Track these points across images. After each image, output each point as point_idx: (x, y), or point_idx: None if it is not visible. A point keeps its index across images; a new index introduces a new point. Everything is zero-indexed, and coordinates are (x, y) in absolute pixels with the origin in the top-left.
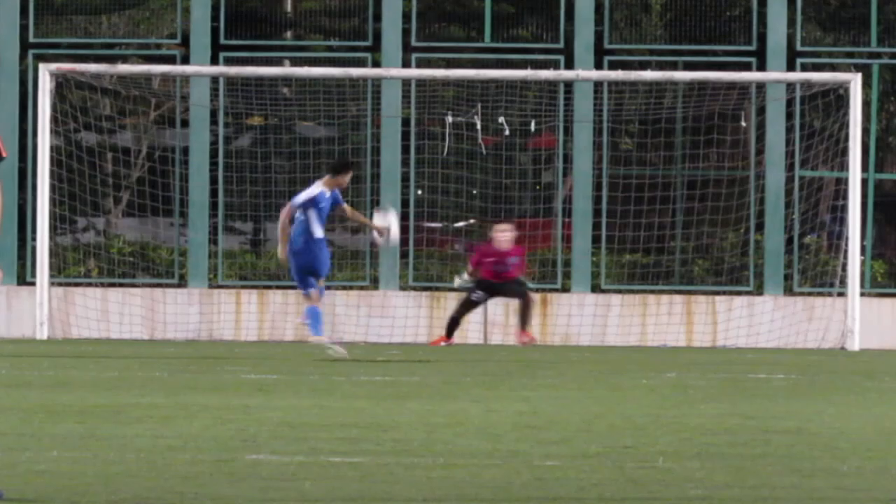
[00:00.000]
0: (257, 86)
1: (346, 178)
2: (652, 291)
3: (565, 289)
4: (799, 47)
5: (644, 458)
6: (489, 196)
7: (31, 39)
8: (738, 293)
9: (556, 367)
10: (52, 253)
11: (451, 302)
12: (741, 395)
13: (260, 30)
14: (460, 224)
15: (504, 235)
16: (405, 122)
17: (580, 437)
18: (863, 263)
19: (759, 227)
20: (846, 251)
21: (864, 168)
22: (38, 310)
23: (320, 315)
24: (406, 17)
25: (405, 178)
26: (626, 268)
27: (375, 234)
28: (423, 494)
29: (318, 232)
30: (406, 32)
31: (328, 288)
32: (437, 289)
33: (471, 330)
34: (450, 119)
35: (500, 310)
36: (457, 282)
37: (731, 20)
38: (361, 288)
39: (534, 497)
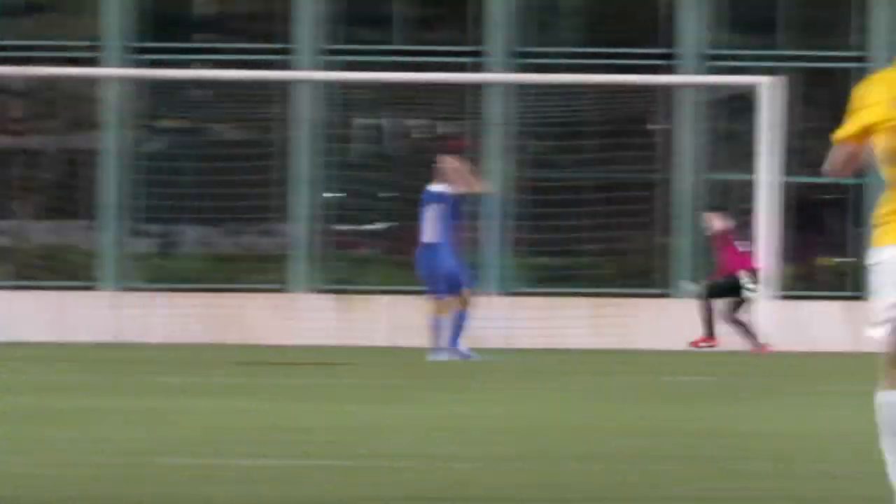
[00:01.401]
0: (169, 89)
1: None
2: (561, 294)
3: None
4: (710, 50)
5: (556, 462)
6: (400, 199)
7: None
8: (647, 296)
9: (467, 371)
10: None
11: (360, 304)
12: (652, 397)
13: (174, 32)
14: (370, 227)
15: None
16: (316, 126)
17: (493, 440)
18: (774, 266)
19: (669, 230)
20: (756, 254)
21: (776, 171)
22: None
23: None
24: (318, 20)
25: (316, 182)
26: (535, 271)
27: None
28: (336, 497)
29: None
30: (318, 35)
31: (236, 291)
32: (347, 291)
33: (380, 332)
34: (361, 122)
35: (409, 312)
36: (683, 289)
37: (643, 23)
38: (271, 291)
39: (449, 500)
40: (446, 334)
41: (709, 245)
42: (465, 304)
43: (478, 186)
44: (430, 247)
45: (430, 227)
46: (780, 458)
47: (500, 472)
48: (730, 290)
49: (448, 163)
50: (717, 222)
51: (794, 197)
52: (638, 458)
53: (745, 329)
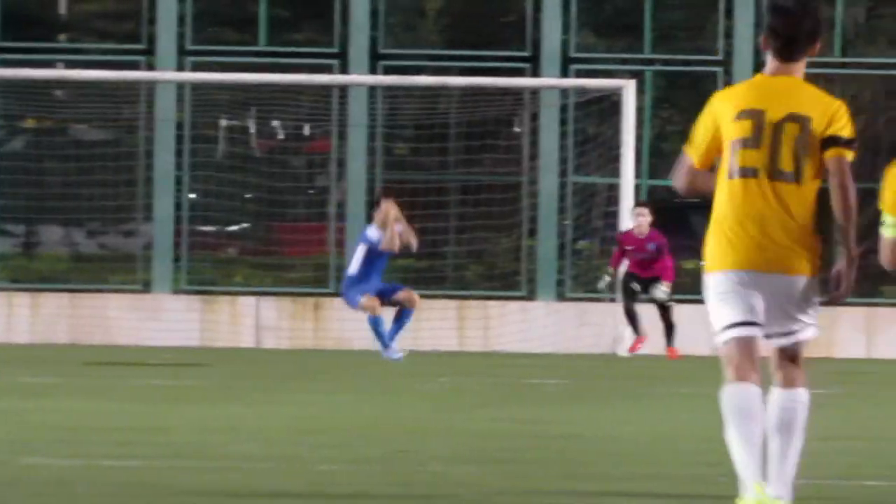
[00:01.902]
0: (31, 88)
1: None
2: (425, 296)
3: (338, 293)
4: (573, 53)
5: (419, 463)
6: (263, 200)
7: None
8: (512, 298)
9: (331, 372)
10: None
11: (224, 306)
12: (515, 400)
13: (34, 32)
14: (234, 228)
15: (641, 219)
16: (179, 126)
17: (355, 441)
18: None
19: (533, 232)
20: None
21: (638, 174)
22: None
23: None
24: (181, 20)
25: (179, 182)
26: (399, 272)
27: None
28: (197, 499)
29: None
30: (181, 36)
31: (99, 292)
32: (211, 292)
33: (244, 334)
34: (224, 123)
35: (273, 314)
36: (600, 285)
37: (506, 26)
38: (134, 291)
39: (308, 501)
40: (392, 332)
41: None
42: (410, 303)
43: (396, 244)
44: (350, 278)
45: (356, 261)
46: (643, 461)
47: (360, 473)
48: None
49: (384, 210)
50: (648, 218)
51: (656, 200)
52: (497, 460)
53: (635, 324)
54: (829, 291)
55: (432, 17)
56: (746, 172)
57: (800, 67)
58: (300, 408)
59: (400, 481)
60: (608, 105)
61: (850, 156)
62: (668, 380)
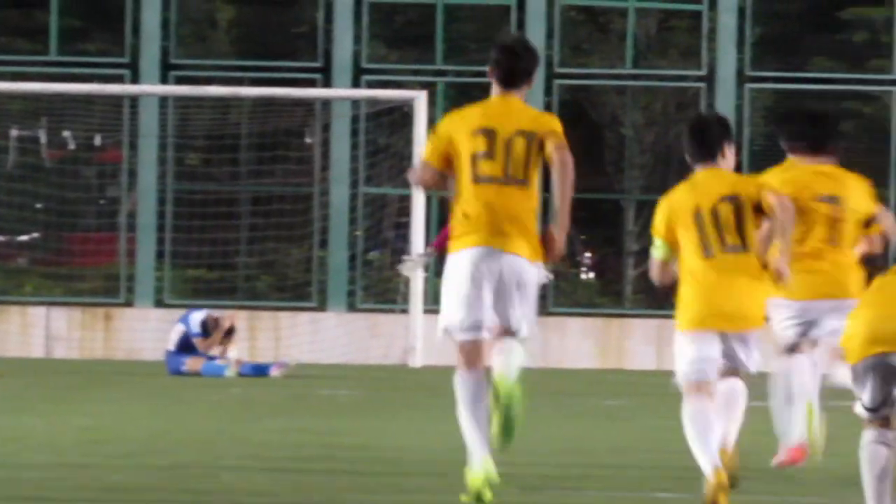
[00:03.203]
0: None
1: None
2: (217, 306)
3: (129, 303)
4: (365, 64)
5: (208, 473)
6: (53, 210)
7: None
8: (303, 309)
9: (122, 383)
10: None
11: (14, 316)
12: (306, 410)
13: None
14: (24, 237)
15: None
16: None
17: (146, 451)
18: (425, 280)
19: (324, 243)
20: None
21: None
22: None
23: None
24: None
25: None
26: (190, 283)
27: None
28: None
29: None
30: None
31: None
32: (1, 302)
33: (34, 344)
34: (15, 133)
35: (63, 324)
36: (409, 264)
37: (298, 37)
38: None
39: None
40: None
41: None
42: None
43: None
44: (170, 353)
45: (173, 341)
46: (434, 472)
47: (151, 482)
48: None
49: (223, 330)
50: None
51: (448, 211)
52: (288, 470)
53: None
54: (548, 253)
55: (224, 28)
56: (486, 179)
57: (521, 93)
58: (90, 418)
59: (191, 490)
60: (400, 116)
61: (565, 143)
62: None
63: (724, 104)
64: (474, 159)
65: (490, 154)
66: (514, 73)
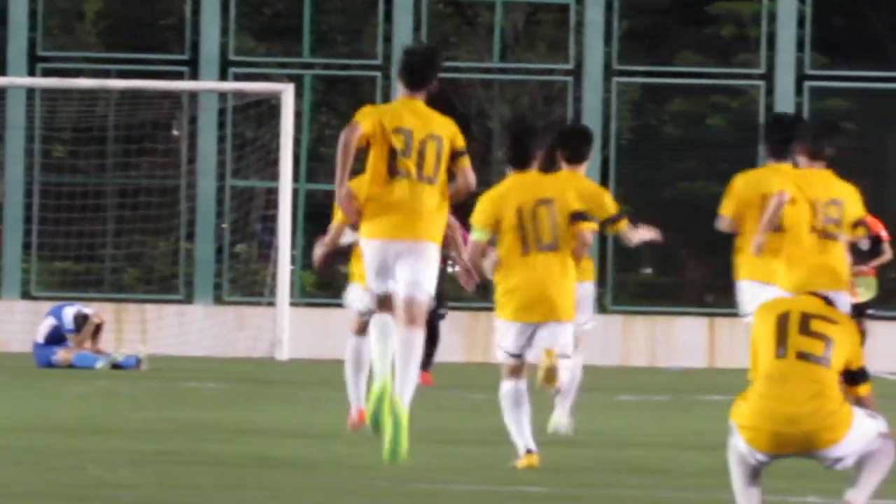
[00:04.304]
0: None
1: None
2: (83, 299)
3: None
4: (232, 56)
5: (74, 465)
6: None
7: None
8: (169, 302)
9: None
10: None
11: None
12: (172, 402)
13: None
14: None
15: None
16: None
17: (10, 442)
18: (292, 273)
19: (191, 235)
20: (276, 261)
21: (296, 178)
22: None
23: None
24: None
25: None
26: (57, 275)
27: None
28: None
29: None
30: None
31: None
32: None
33: None
34: None
35: None
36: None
37: (166, 28)
38: None
39: None
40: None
41: None
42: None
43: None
44: (38, 345)
45: (42, 333)
46: (299, 465)
47: (15, 474)
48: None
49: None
50: None
51: (315, 204)
52: (153, 462)
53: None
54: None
55: (91, 20)
56: (402, 174)
57: (424, 94)
58: None
59: (56, 482)
60: (267, 109)
61: (468, 160)
62: (326, 384)
63: (592, 98)
64: (395, 155)
65: (406, 152)
66: (420, 77)
